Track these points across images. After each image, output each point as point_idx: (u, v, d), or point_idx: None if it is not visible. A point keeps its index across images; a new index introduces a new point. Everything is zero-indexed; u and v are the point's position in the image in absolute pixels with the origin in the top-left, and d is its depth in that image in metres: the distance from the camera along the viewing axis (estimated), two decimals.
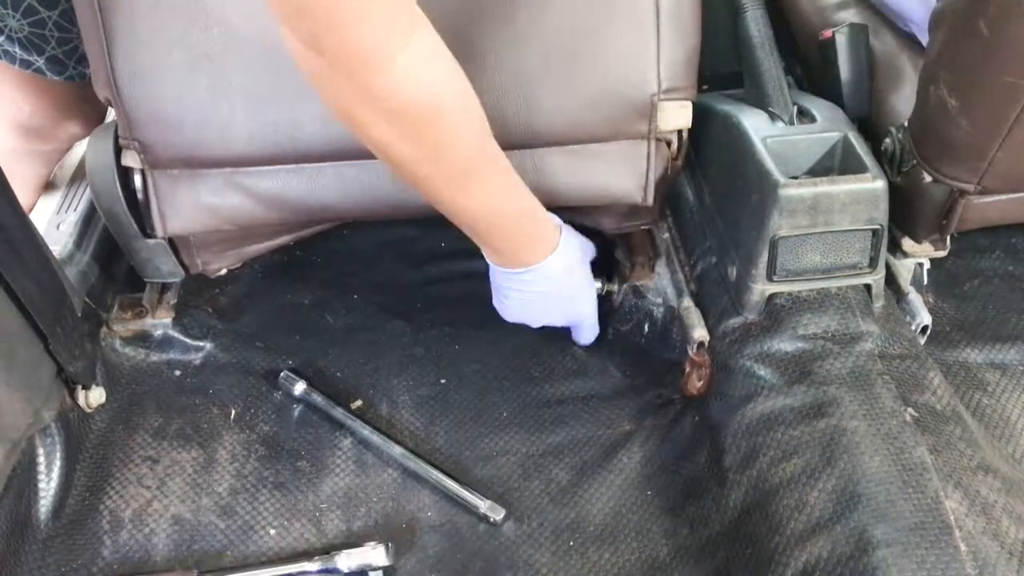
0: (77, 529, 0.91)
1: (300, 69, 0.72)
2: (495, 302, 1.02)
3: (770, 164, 0.92)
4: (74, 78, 1.07)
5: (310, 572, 0.87)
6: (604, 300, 1.10)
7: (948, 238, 1.01)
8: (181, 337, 1.09)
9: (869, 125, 1.03)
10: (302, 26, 0.68)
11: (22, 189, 1.14)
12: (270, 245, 1.10)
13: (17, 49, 1.03)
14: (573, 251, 0.97)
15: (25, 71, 1.05)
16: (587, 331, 1.07)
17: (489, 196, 0.85)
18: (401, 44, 0.69)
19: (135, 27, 0.88)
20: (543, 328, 1.05)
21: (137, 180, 0.97)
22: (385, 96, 0.71)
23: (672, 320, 1.06)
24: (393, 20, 0.68)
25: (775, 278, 0.93)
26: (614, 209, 1.07)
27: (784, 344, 0.92)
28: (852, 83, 1.04)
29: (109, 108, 0.95)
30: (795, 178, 0.92)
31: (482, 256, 1.24)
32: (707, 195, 1.06)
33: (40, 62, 1.04)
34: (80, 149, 1.21)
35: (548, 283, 0.96)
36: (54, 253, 0.94)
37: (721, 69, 1.07)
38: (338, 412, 1.01)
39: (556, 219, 0.95)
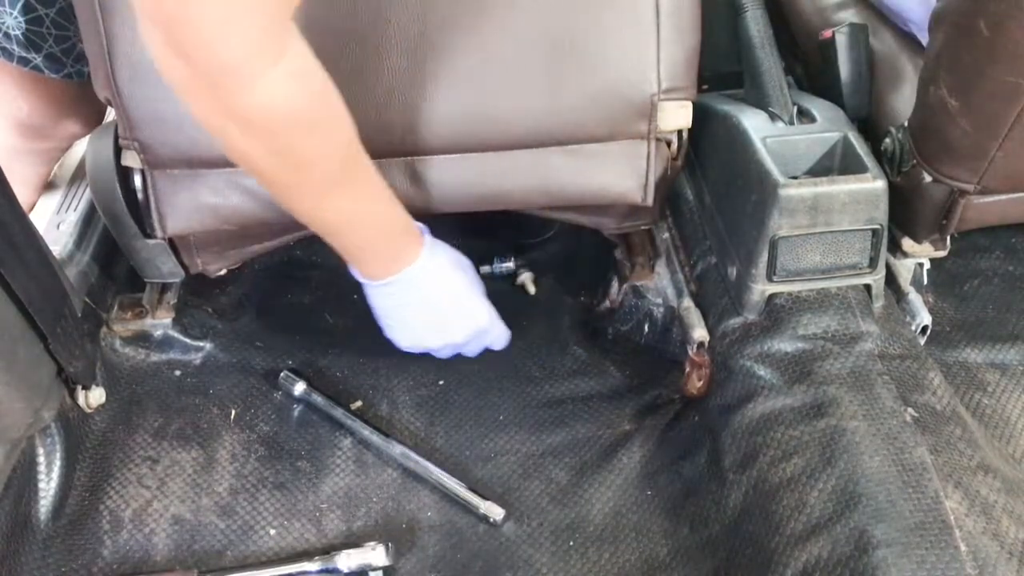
0: (77, 529, 0.91)
1: (161, 74, 0.70)
2: (385, 333, 0.99)
3: (770, 164, 0.92)
4: (72, 76, 1.07)
5: (310, 572, 0.87)
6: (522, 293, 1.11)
7: (948, 238, 1.01)
8: (181, 337, 1.09)
9: (869, 125, 1.03)
10: (169, 35, 0.66)
11: (22, 188, 1.14)
12: (270, 245, 1.10)
13: (15, 46, 1.02)
14: (440, 257, 0.94)
15: (23, 68, 1.05)
16: (495, 337, 1.02)
17: (351, 207, 0.84)
18: (269, 63, 0.68)
19: (135, 26, 0.88)
20: (458, 356, 1.02)
21: (137, 180, 0.97)
22: (248, 112, 0.70)
23: (672, 320, 1.06)
24: (262, 39, 0.67)
25: (775, 278, 0.93)
26: (614, 209, 1.07)
27: (784, 344, 0.92)
28: (852, 83, 1.04)
29: (108, 108, 0.95)
30: (795, 178, 0.92)
31: (482, 257, 1.24)
32: (707, 195, 1.06)
33: (38, 59, 1.04)
34: (80, 148, 1.21)
35: (416, 291, 0.93)
36: (54, 253, 0.94)
37: (721, 69, 1.07)
38: (338, 412, 1.01)
39: (422, 227, 0.93)
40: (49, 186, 1.19)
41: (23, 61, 1.04)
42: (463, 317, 0.98)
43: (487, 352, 1.09)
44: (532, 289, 1.18)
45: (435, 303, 0.95)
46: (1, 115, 1.12)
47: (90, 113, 1.15)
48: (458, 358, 1.08)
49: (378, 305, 0.96)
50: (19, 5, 1.00)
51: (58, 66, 1.06)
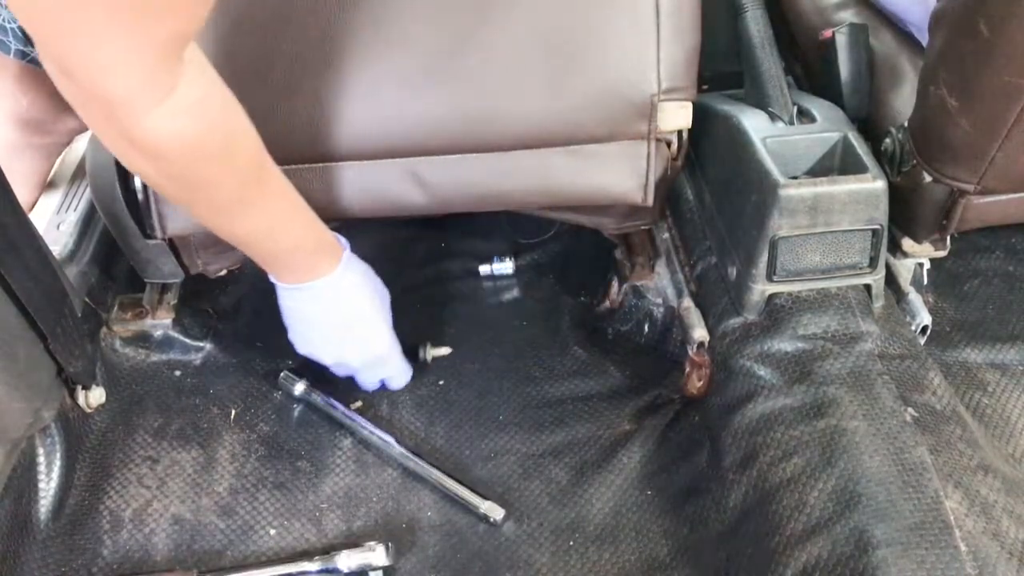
0: (77, 529, 0.91)
1: (59, 90, 0.70)
2: (288, 334, 0.98)
3: (770, 164, 0.92)
4: None
5: (310, 572, 0.87)
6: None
7: (948, 238, 1.01)
8: (181, 337, 1.09)
9: (869, 125, 1.03)
10: (60, 67, 0.66)
11: (22, 185, 1.13)
12: None
13: (11, 39, 1.02)
14: (353, 278, 0.94)
15: (21, 62, 1.05)
16: (394, 372, 1.02)
17: (259, 223, 0.84)
18: (158, 98, 0.67)
19: None
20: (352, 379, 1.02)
21: (137, 181, 0.97)
22: (140, 141, 0.70)
23: (672, 320, 1.06)
24: (149, 77, 0.66)
25: (775, 278, 0.93)
26: (614, 209, 1.07)
27: (784, 344, 0.92)
28: (852, 83, 1.04)
29: None
30: (795, 178, 0.92)
31: (482, 257, 1.24)
32: (707, 195, 1.06)
33: (35, 53, 1.04)
34: (80, 146, 1.21)
35: (319, 304, 0.93)
36: (54, 253, 0.94)
37: (721, 69, 1.07)
38: (338, 412, 1.01)
39: (343, 244, 0.93)
40: (49, 185, 1.19)
41: (20, 54, 1.04)
42: (361, 340, 0.97)
43: (487, 352, 1.09)
44: (430, 358, 1.09)
45: (335, 320, 0.95)
46: (1, 110, 1.12)
47: None
48: (457, 358, 1.08)
49: (283, 305, 0.96)
50: None
51: None
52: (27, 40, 1.03)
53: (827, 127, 0.97)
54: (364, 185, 0.97)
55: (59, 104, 1.11)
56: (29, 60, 1.05)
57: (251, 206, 0.82)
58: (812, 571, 0.77)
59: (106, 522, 0.92)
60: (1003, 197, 0.96)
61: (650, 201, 1.00)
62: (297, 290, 0.92)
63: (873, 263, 0.94)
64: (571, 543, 0.90)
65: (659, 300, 1.08)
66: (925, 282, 1.07)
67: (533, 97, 0.92)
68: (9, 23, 1.01)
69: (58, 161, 1.21)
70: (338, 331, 0.96)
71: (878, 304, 0.95)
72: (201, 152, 0.73)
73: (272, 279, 0.93)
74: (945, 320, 1.06)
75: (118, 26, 0.61)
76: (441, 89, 0.91)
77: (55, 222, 1.11)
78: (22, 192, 1.12)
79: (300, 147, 0.94)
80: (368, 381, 1.02)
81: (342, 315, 0.95)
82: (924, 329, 1.00)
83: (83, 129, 1.17)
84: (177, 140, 0.70)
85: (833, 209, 0.90)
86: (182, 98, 0.68)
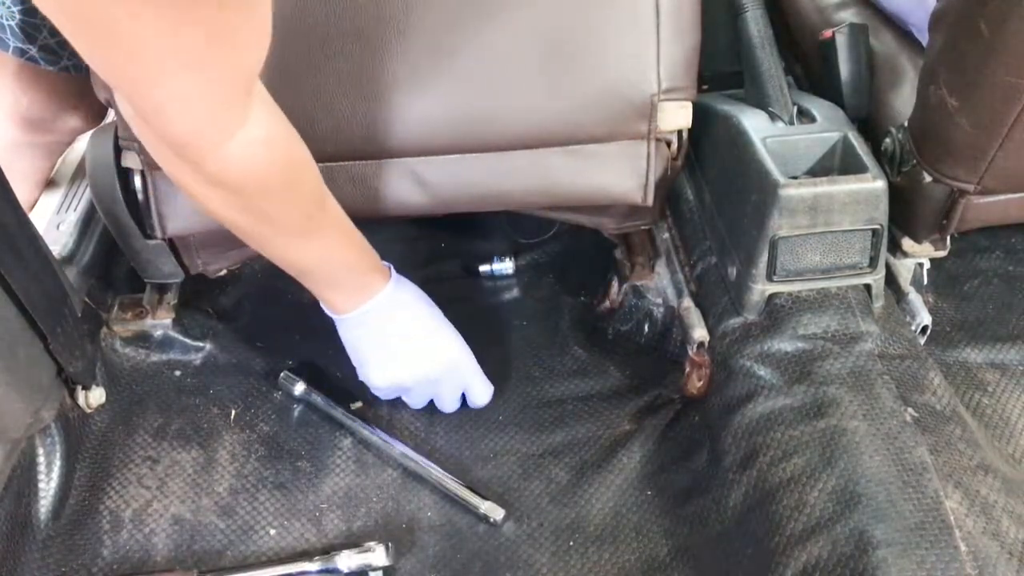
0: (77, 529, 0.91)
1: (135, 133, 0.74)
2: (359, 375, 0.99)
3: (770, 164, 0.92)
4: (69, 70, 1.07)
5: (310, 572, 0.87)
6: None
7: (948, 238, 1.01)
8: (181, 337, 1.09)
9: (869, 125, 1.03)
10: (134, 107, 0.69)
11: (23, 184, 1.13)
12: None
13: (10, 37, 1.02)
14: (407, 292, 0.96)
15: (20, 59, 1.04)
16: (473, 378, 1.00)
17: (318, 253, 0.87)
18: (227, 135, 0.69)
19: None
20: (432, 407, 1.01)
21: (137, 181, 0.97)
22: (210, 177, 0.73)
23: (672, 320, 1.06)
24: (219, 114, 0.67)
25: (775, 278, 0.93)
26: (614, 209, 1.07)
27: (784, 344, 0.92)
28: (852, 83, 1.04)
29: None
30: (795, 178, 0.92)
31: (482, 257, 1.24)
32: (707, 195, 1.06)
33: (33, 50, 1.04)
34: (81, 146, 1.21)
35: (382, 320, 0.93)
36: (54, 253, 0.94)
37: (721, 69, 1.07)
38: (338, 412, 1.01)
39: (388, 265, 0.95)
40: (49, 185, 1.19)
41: (19, 52, 1.04)
42: (433, 349, 0.96)
43: (487, 352, 1.08)
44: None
45: (402, 332, 0.95)
46: (1, 108, 1.12)
47: (91, 108, 1.15)
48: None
49: (347, 340, 0.96)
50: None
51: (54, 59, 1.05)
52: (26, 37, 1.03)
53: (827, 127, 0.97)
54: (364, 185, 0.97)
55: (60, 103, 1.11)
56: (28, 58, 1.04)
57: (312, 234, 0.84)
58: (812, 571, 0.77)
59: (106, 522, 0.92)
60: (1003, 197, 0.96)
61: (650, 201, 1.00)
62: (356, 315, 0.93)
63: (873, 263, 0.94)
64: (571, 543, 0.90)
65: (659, 300, 1.08)
66: (925, 282, 1.07)
67: (533, 97, 0.92)
68: (8, 20, 1.01)
69: (59, 161, 1.21)
70: (407, 344, 0.95)
71: (878, 304, 0.95)
72: (270, 184, 0.75)
73: (331, 313, 0.95)
74: (945, 320, 1.06)
75: (189, 70, 0.62)
76: (441, 89, 0.91)
77: (55, 222, 1.11)
78: (22, 191, 1.12)
79: None
80: (450, 395, 1.00)
81: (407, 327, 0.95)
82: (924, 329, 1.00)
83: (84, 128, 1.16)
84: (248, 173, 0.73)
85: (833, 209, 0.90)
86: (252, 131, 0.70)
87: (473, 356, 0.99)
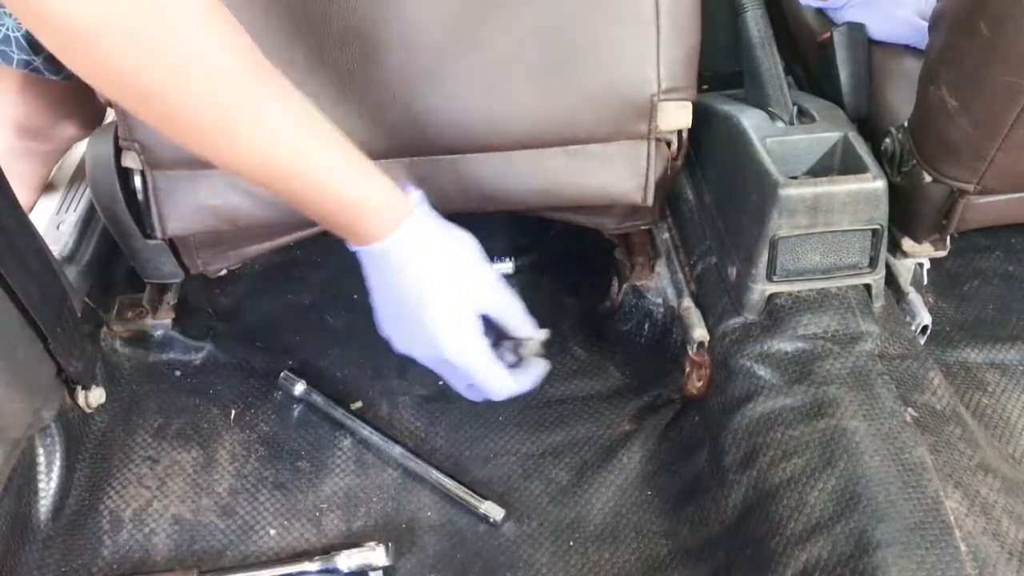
0: (77, 529, 0.91)
1: None
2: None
3: (770, 164, 0.92)
4: (71, 77, 1.07)
5: (310, 572, 0.87)
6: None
7: (948, 238, 1.01)
8: (181, 337, 1.09)
9: (869, 125, 1.03)
10: None
11: (20, 189, 1.14)
12: (270, 245, 1.10)
13: (15, 50, 1.02)
14: (428, 234, 0.74)
15: (23, 71, 1.05)
16: (481, 381, 0.79)
17: (265, 152, 0.67)
18: None
19: None
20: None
21: (137, 181, 0.97)
22: (46, 16, 0.59)
23: (672, 320, 1.06)
24: None
25: (775, 278, 0.93)
26: (614, 209, 1.07)
27: (784, 344, 0.92)
28: (852, 83, 1.04)
29: (107, 110, 0.95)
30: (795, 178, 0.92)
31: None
32: (707, 195, 1.06)
33: (38, 61, 1.04)
34: (79, 149, 1.21)
35: (381, 275, 0.75)
36: (54, 253, 0.94)
37: (721, 69, 1.07)
38: (338, 412, 1.01)
39: (415, 195, 0.75)
40: (49, 186, 1.20)
41: (24, 63, 1.04)
42: (428, 330, 0.75)
43: None
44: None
45: (399, 295, 0.75)
46: (1, 116, 1.12)
47: (88, 116, 1.15)
48: None
49: (368, 283, 0.78)
50: None
51: (58, 67, 1.06)
52: (31, 49, 1.03)
53: (827, 127, 0.97)
54: None
55: (57, 112, 1.12)
56: (32, 68, 1.05)
57: (237, 128, 0.66)
58: (812, 571, 0.77)
59: (106, 522, 0.92)
60: (1003, 197, 0.96)
61: (650, 201, 1.00)
62: (362, 254, 0.75)
63: (873, 263, 0.94)
64: (571, 543, 0.90)
65: (659, 300, 1.08)
66: (925, 282, 1.07)
67: (533, 97, 0.92)
68: (14, 32, 1.01)
69: (55, 167, 1.21)
70: (398, 306, 0.77)
71: (878, 304, 0.95)
72: (106, 30, 0.60)
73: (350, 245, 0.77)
74: (945, 320, 1.07)
75: None
76: (441, 89, 0.91)
77: (55, 222, 1.11)
78: (20, 194, 1.12)
79: None
80: (480, 370, 0.78)
81: (403, 287, 0.75)
82: (924, 329, 1.00)
83: (80, 137, 1.17)
84: (69, 9, 0.59)
85: (833, 209, 0.90)
86: None
87: (483, 347, 0.79)
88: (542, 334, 0.85)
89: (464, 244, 0.78)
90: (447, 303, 0.76)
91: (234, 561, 0.89)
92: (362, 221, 0.73)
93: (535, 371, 0.85)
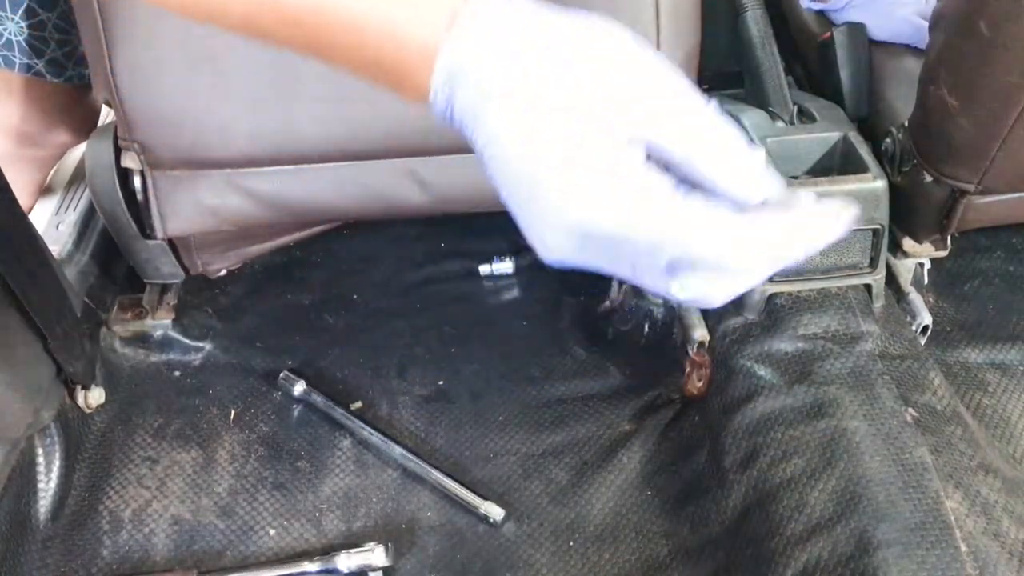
0: (77, 529, 0.91)
1: None
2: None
3: (770, 164, 0.91)
4: (73, 80, 1.07)
5: (310, 572, 0.87)
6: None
7: (948, 238, 1.01)
8: (181, 338, 1.09)
9: (869, 125, 1.03)
10: None
11: (17, 193, 1.14)
12: (270, 245, 1.11)
13: (16, 53, 1.02)
14: (518, 38, 0.42)
15: (24, 75, 1.05)
16: (703, 233, 0.42)
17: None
18: None
19: (135, 28, 0.88)
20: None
21: (137, 181, 0.97)
22: None
23: (672, 320, 1.06)
24: None
25: (775, 278, 0.93)
26: None
27: (784, 344, 0.92)
28: (852, 83, 1.04)
29: (102, 112, 0.94)
30: (795, 178, 0.92)
31: (482, 257, 1.23)
32: None
33: (40, 65, 1.04)
34: (78, 151, 1.21)
35: (477, 120, 0.45)
36: (54, 253, 0.94)
37: (721, 69, 1.07)
38: (338, 412, 1.01)
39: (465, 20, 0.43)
40: (46, 190, 1.19)
41: (25, 68, 1.04)
42: (576, 151, 0.43)
43: (486, 352, 1.08)
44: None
45: (507, 124, 0.44)
46: None
47: (82, 122, 1.15)
48: (457, 359, 1.08)
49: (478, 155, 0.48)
50: (20, 10, 0.99)
51: (59, 70, 1.06)
52: (32, 53, 1.03)
53: (827, 127, 0.97)
54: (364, 185, 0.97)
55: (51, 117, 1.12)
56: (34, 72, 1.05)
57: None
58: (812, 572, 0.76)
59: (106, 522, 0.92)
60: (1003, 197, 0.96)
61: None
62: (437, 106, 0.48)
63: (873, 263, 0.94)
64: (571, 543, 0.90)
65: (659, 300, 1.08)
66: (925, 282, 1.07)
67: None
68: (15, 36, 1.01)
69: (51, 171, 1.21)
70: (513, 175, 0.47)
71: (878, 304, 0.95)
72: None
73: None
74: (945, 320, 1.06)
75: None
76: None
77: (54, 222, 1.11)
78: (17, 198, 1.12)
79: (301, 147, 0.94)
80: (651, 278, 0.45)
81: (499, 143, 0.45)
82: (924, 329, 1.00)
83: (74, 143, 1.17)
84: None
85: None
86: None
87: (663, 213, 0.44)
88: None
89: (594, 28, 0.43)
90: (572, 137, 0.42)
91: (234, 561, 0.89)
92: (428, 20, 0.44)
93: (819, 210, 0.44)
